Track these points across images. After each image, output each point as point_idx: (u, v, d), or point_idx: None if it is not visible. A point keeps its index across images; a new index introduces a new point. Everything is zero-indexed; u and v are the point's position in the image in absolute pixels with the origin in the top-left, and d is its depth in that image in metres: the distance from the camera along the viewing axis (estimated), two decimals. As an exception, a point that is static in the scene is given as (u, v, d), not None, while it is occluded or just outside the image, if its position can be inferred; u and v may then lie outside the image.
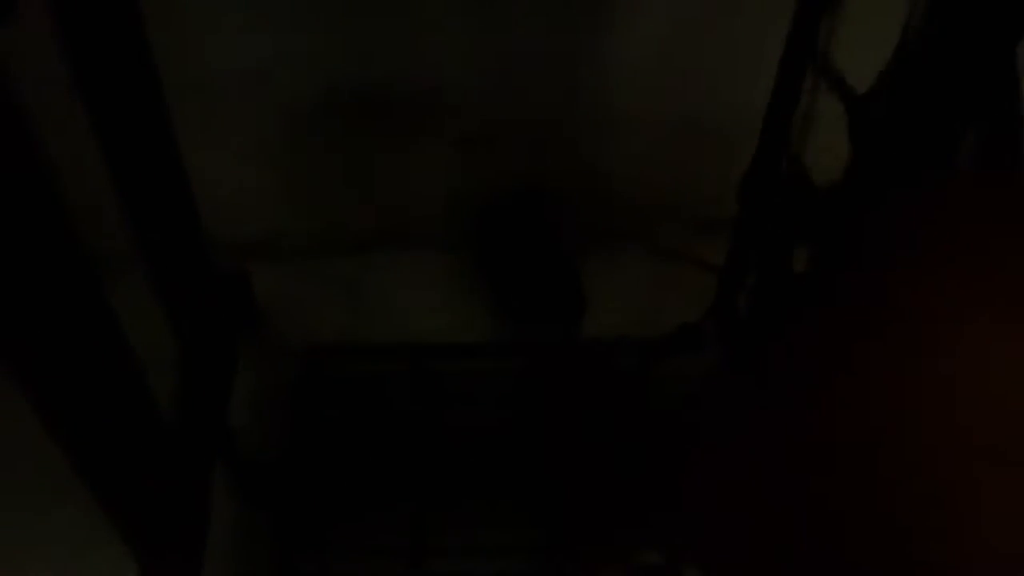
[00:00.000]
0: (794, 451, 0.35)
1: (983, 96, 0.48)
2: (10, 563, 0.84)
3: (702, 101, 0.98)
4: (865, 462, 0.30)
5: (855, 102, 0.57)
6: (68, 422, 0.59)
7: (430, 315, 1.04)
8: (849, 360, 0.33)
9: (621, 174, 1.06)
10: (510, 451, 0.94)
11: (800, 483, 0.35)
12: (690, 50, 0.93)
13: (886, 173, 0.55)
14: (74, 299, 0.55)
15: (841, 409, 0.32)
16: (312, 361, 1.00)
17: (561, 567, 0.86)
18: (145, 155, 0.72)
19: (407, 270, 1.09)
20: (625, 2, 0.89)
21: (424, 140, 1.01)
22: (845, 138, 0.60)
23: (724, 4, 0.88)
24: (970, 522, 0.27)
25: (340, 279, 1.08)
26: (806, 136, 0.64)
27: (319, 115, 0.97)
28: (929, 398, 0.29)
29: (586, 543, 0.85)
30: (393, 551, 0.88)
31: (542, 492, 0.91)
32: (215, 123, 0.93)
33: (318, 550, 0.88)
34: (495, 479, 0.92)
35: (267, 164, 1.01)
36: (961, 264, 0.31)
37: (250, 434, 0.92)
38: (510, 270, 1.06)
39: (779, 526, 0.42)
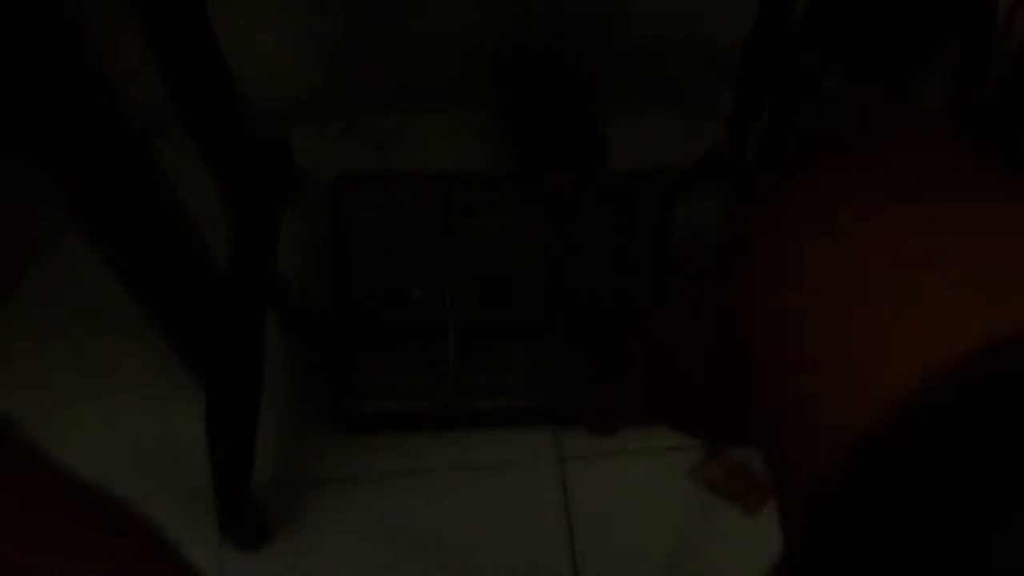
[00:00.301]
0: (718, 311, 0.40)
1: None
2: (104, 396, 0.92)
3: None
4: (777, 317, 0.35)
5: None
6: (139, 276, 0.66)
7: (458, 166, 1.06)
8: (774, 230, 0.37)
9: (643, 24, 1.06)
10: (535, 283, 0.97)
11: (721, 337, 0.40)
12: None
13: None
14: (131, 166, 0.61)
15: (759, 271, 0.37)
16: (345, 190, 1.02)
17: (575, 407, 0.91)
18: (183, 30, 0.75)
19: (432, 125, 1.11)
20: None
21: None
22: None
23: None
24: (841, 356, 0.32)
25: (371, 135, 1.11)
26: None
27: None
28: (833, 260, 0.34)
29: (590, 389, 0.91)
30: (430, 390, 0.93)
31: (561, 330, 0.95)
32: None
33: (366, 386, 0.94)
34: (523, 312, 0.96)
35: (296, 30, 1.03)
36: (865, 164, 0.36)
37: (298, 281, 0.97)
38: (533, 120, 1.08)
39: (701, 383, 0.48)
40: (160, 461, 0.89)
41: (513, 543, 0.88)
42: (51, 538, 0.34)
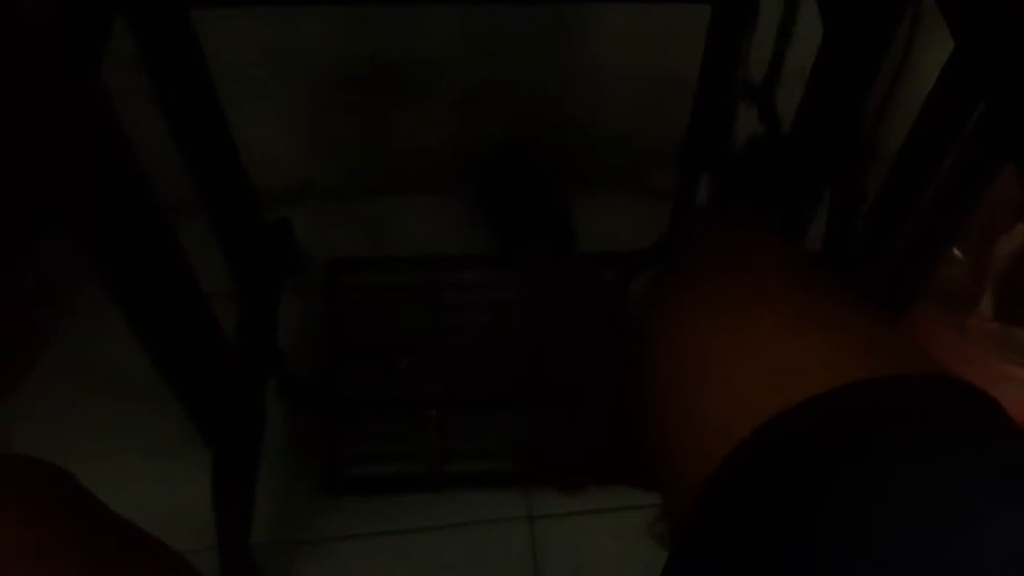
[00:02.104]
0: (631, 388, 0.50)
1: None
2: (108, 453, 0.95)
3: (679, 57, 1.06)
4: (654, 390, 0.45)
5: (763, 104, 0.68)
6: (156, 344, 0.71)
7: (439, 248, 1.13)
8: (652, 327, 0.48)
9: (605, 124, 1.15)
10: (510, 356, 1.03)
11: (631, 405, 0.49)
12: (665, 12, 1.01)
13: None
14: (158, 246, 0.67)
15: (648, 355, 0.47)
16: (338, 271, 1.08)
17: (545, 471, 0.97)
18: (200, 125, 0.80)
19: (419, 211, 1.19)
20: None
21: (427, 100, 1.10)
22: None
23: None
24: (688, 422, 0.42)
25: (362, 219, 1.18)
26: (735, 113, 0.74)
27: (338, 84, 1.06)
28: (686, 349, 0.44)
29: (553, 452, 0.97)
30: (411, 455, 0.97)
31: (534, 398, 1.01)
32: (253, 96, 1.03)
33: (354, 451, 0.98)
34: (499, 383, 1.01)
35: (296, 126, 1.11)
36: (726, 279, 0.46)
37: (295, 353, 1.02)
38: (507, 210, 1.15)
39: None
40: (163, 521, 0.92)
41: (487, 596, 0.93)
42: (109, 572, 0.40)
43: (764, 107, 0.68)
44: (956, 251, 0.83)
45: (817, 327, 0.42)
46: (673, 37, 1.03)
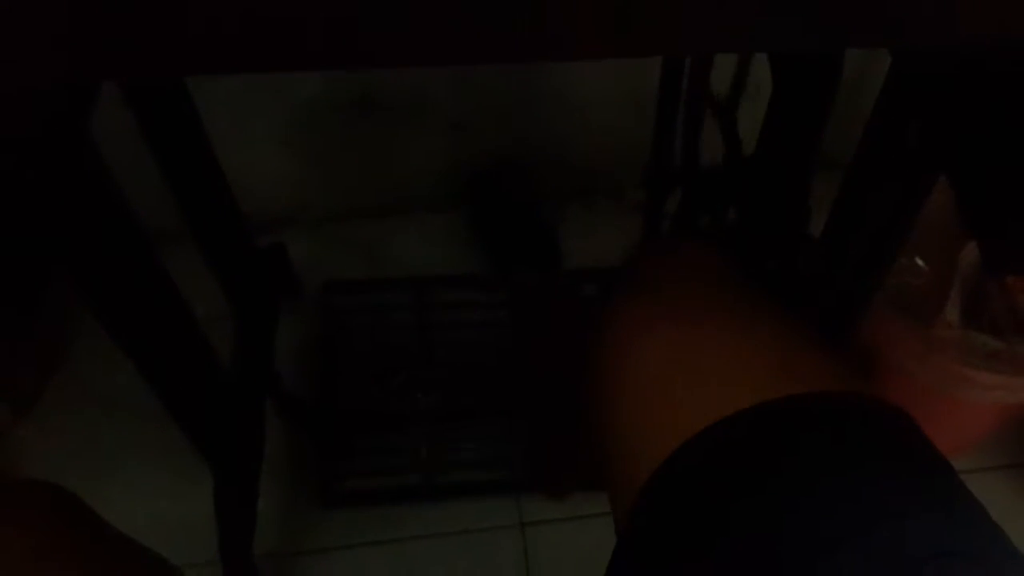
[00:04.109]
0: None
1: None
2: (114, 475, 0.97)
3: (647, 84, 1.08)
4: (606, 403, 0.45)
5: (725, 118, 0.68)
6: (154, 370, 0.72)
7: (430, 268, 1.14)
8: (604, 340, 0.48)
9: (583, 146, 1.16)
10: (498, 370, 1.04)
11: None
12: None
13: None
14: (143, 273, 0.67)
15: (597, 365, 0.47)
16: (333, 292, 1.09)
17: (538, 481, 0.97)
18: (188, 159, 0.80)
19: (410, 232, 1.20)
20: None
21: (417, 126, 1.11)
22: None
23: None
24: (630, 430, 0.42)
25: (356, 241, 1.19)
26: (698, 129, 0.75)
27: (330, 111, 1.07)
28: (629, 362, 0.44)
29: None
30: (405, 467, 0.98)
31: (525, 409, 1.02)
32: (247, 123, 1.04)
33: (351, 465, 0.99)
34: (488, 396, 1.02)
35: (290, 153, 1.12)
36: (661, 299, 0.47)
37: (292, 372, 1.03)
38: (496, 229, 1.16)
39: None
40: (170, 535, 0.93)
41: (480, 602, 0.93)
42: None
43: (725, 126, 0.69)
44: (919, 260, 0.83)
45: (749, 345, 0.42)
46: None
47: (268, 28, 0.25)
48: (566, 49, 0.26)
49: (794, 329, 0.44)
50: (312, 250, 1.16)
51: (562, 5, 0.25)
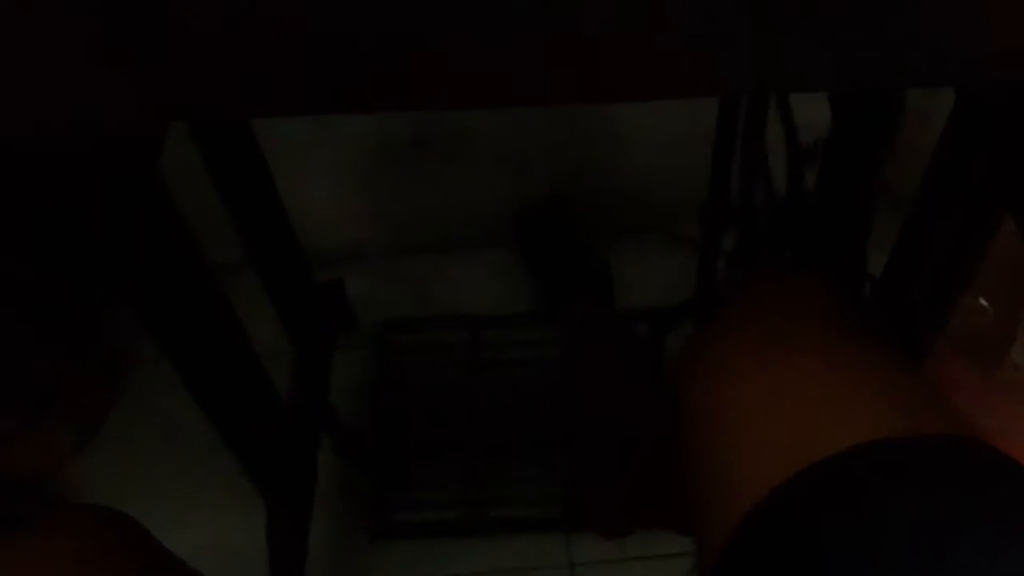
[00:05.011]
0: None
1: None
2: (172, 503, 0.94)
3: (702, 116, 1.07)
4: (698, 443, 0.44)
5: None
6: (213, 401, 0.73)
7: (483, 302, 1.14)
8: (692, 378, 0.47)
9: (634, 180, 1.15)
10: (551, 408, 1.03)
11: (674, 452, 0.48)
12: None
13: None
14: (204, 306, 0.69)
15: (687, 410, 0.46)
16: (389, 330, 1.11)
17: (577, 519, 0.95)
18: (252, 196, 0.82)
19: (462, 267, 1.20)
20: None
21: (468, 163, 1.12)
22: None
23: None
24: (726, 466, 0.41)
25: (411, 277, 1.20)
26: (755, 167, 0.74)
27: (382, 150, 1.09)
28: (724, 398, 0.43)
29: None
30: (457, 502, 0.97)
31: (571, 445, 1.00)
32: (306, 163, 1.06)
33: (403, 499, 0.98)
34: (540, 434, 1.01)
35: (347, 191, 1.14)
36: (757, 334, 0.45)
37: (349, 408, 1.04)
38: (549, 265, 1.16)
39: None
40: (223, 563, 0.94)
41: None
42: None
43: (790, 165, 0.67)
44: (983, 301, 0.80)
45: (846, 382, 0.41)
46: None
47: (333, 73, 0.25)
48: (610, 92, 0.26)
49: (895, 362, 0.43)
50: (367, 286, 1.17)
51: (609, 48, 0.25)
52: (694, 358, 0.48)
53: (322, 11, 0.24)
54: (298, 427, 0.89)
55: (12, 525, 0.43)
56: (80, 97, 0.26)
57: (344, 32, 0.24)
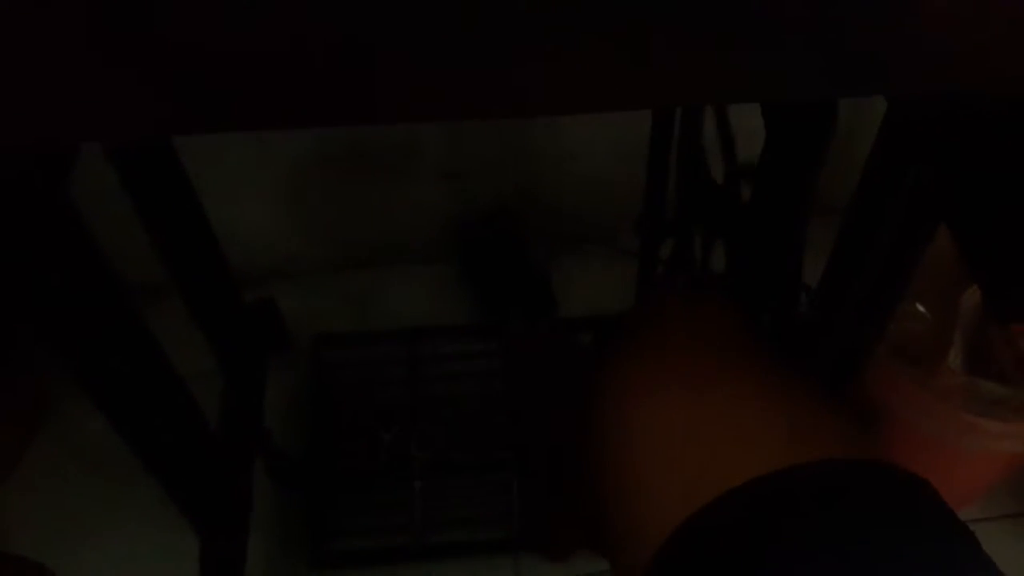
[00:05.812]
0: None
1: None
2: (98, 537, 0.94)
3: (640, 131, 1.07)
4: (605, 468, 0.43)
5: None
6: (136, 430, 0.70)
7: (424, 318, 1.12)
8: (598, 401, 0.46)
9: (576, 193, 1.15)
10: (493, 423, 1.00)
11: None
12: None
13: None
14: (120, 332, 0.65)
15: (597, 427, 0.45)
16: (322, 346, 1.07)
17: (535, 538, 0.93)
18: (171, 210, 0.79)
19: (402, 282, 1.18)
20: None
21: (408, 177, 1.09)
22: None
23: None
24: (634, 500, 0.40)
25: (347, 292, 1.17)
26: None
27: (317, 163, 1.06)
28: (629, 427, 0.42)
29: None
30: (398, 526, 0.94)
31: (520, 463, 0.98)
32: (235, 177, 1.03)
33: (342, 525, 0.95)
34: (483, 450, 0.98)
35: (279, 205, 1.11)
36: (659, 357, 0.45)
37: (281, 429, 1.01)
38: (489, 278, 1.14)
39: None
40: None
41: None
42: None
43: (726, 177, 0.67)
44: (919, 305, 0.81)
45: (757, 407, 0.40)
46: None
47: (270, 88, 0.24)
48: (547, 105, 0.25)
49: (802, 388, 0.42)
50: (302, 303, 1.14)
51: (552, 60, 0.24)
52: (610, 370, 0.47)
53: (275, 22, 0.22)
54: (230, 453, 0.85)
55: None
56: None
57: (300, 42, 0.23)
